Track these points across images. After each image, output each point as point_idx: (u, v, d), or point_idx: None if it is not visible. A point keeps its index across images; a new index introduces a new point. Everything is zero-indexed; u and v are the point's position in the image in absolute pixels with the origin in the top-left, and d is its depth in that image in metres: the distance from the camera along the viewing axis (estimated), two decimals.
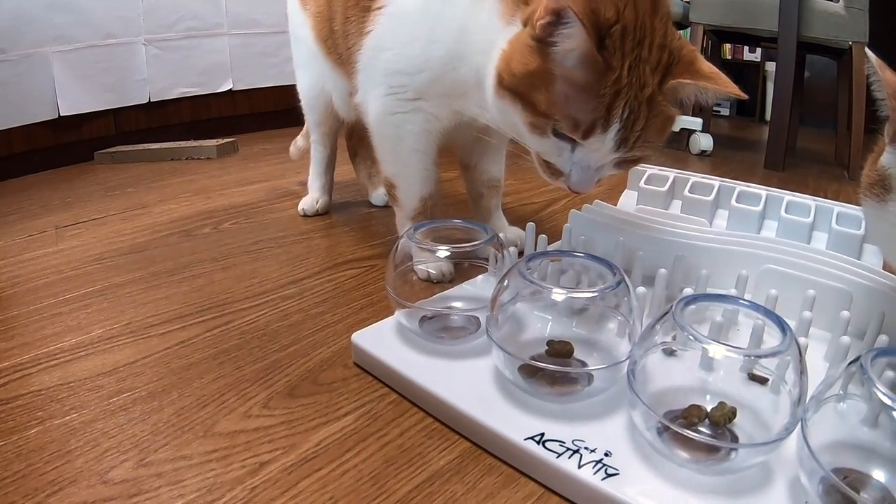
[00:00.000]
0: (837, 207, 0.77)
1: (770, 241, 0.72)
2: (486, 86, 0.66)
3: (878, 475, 0.42)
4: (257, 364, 0.66)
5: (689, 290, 0.64)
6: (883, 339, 0.58)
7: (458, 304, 0.70)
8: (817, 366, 0.57)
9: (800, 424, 0.42)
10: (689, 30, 1.90)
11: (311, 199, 1.15)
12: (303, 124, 1.17)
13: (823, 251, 0.69)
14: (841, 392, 0.43)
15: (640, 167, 0.88)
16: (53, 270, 0.91)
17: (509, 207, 1.07)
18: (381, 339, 0.64)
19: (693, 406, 0.48)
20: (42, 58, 1.50)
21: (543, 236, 0.76)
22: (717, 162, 1.79)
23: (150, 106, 1.75)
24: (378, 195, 1.19)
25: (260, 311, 0.77)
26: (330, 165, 1.16)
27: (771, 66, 2.62)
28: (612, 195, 0.90)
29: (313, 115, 1.10)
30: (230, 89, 1.91)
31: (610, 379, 0.53)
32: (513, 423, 0.51)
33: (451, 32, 0.70)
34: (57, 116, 1.55)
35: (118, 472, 0.50)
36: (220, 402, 0.59)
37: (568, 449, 0.48)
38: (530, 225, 0.79)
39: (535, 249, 0.76)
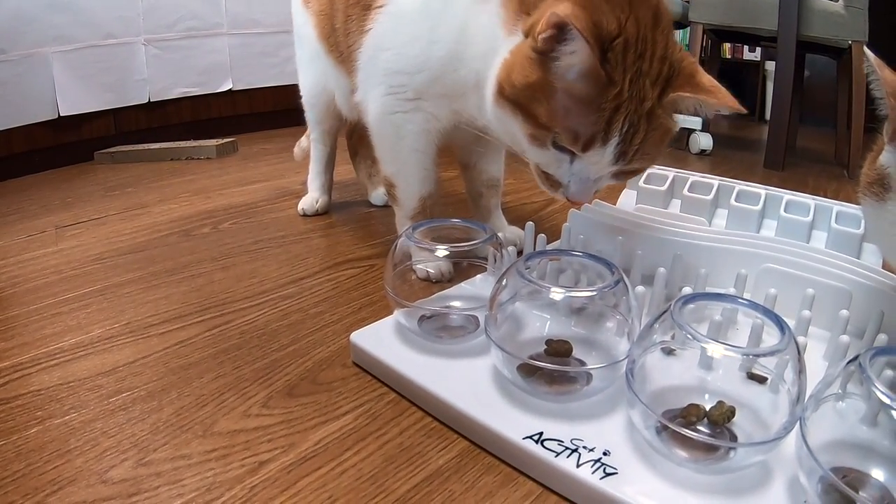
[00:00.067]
0: (837, 206, 0.77)
1: (769, 240, 0.72)
2: (485, 93, 0.65)
3: (877, 474, 0.42)
4: (257, 363, 0.66)
5: (687, 290, 0.64)
6: (882, 338, 0.57)
7: (456, 304, 0.70)
8: (816, 365, 0.57)
9: (798, 423, 0.42)
10: (688, 29, 1.90)
11: (311, 198, 1.15)
12: (303, 124, 1.17)
13: (823, 250, 0.69)
14: (840, 391, 0.43)
15: None
16: (53, 270, 0.91)
17: (509, 207, 1.07)
18: (380, 339, 0.64)
19: (692, 405, 0.48)
20: (42, 58, 1.50)
21: (542, 235, 0.76)
22: (716, 161, 1.79)
23: (150, 106, 1.75)
24: (378, 195, 1.19)
25: (259, 310, 0.77)
26: (329, 164, 1.16)
27: (771, 66, 2.62)
28: (612, 194, 0.90)
29: (313, 112, 1.10)
30: (230, 89, 1.92)
31: (609, 378, 0.53)
32: (511, 422, 0.51)
33: (451, 32, 0.69)
34: (57, 116, 1.55)
35: (117, 472, 0.50)
36: (220, 401, 0.59)
37: (566, 448, 0.48)
38: (529, 224, 0.79)
39: (535, 249, 0.76)
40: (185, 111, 1.84)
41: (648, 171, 0.89)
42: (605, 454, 0.47)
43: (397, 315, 0.66)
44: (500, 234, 0.73)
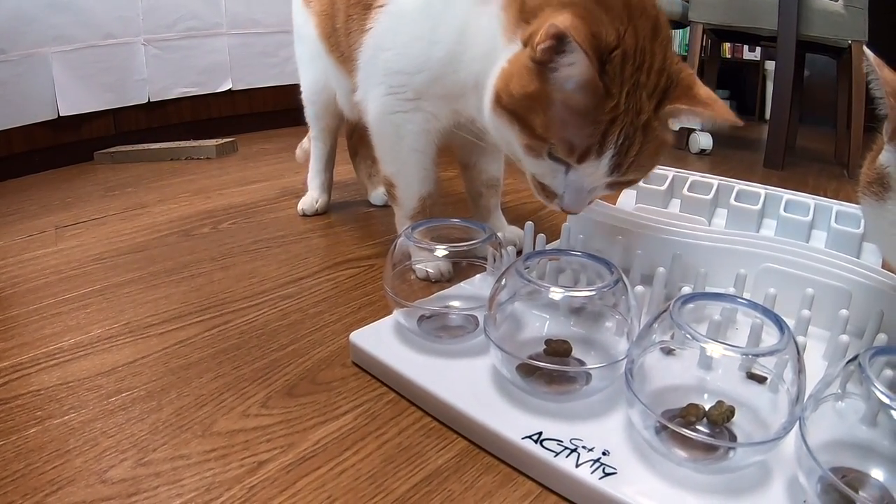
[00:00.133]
0: (836, 206, 0.77)
1: (769, 239, 0.72)
2: (484, 97, 0.65)
3: (877, 474, 0.42)
4: (256, 363, 0.66)
5: (687, 289, 0.64)
6: (882, 338, 0.57)
7: (456, 304, 0.70)
8: (816, 364, 0.57)
9: (798, 423, 0.42)
10: (688, 29, 1.90)
11: (311, 198, 1.15)
12: (303, 124, 1.17)
13: (822, 250, 0.69)
14: (839, 391, 0.42)
15: None
16: (53, 270, 0.91)
17: (508, 206, 1.07)
18: (380, 339, 0.64)
19: (691, 405, 0.48)
20: (42, 58, 1.50)
21: (542, 235, 0.76)
22: (716, 161, 1.79)
23: (150, 106, 1.75)
24: (377, 194, 1.19)
25: (259, 310, 0.77)
26: (329, 162, 1.16)
27: (770, 65, 2.62)
28: (612, 194, 0.90)
29: (313, 109, 1.10)
30: (229, 89, 1.92)
31: (608, 378, 0.53)
32: (511, 422, 0.51)
33: (451, 33, 0.69)
34: (57, 116, 1.55)
35: (117, 472, 0.50)
36: (219, 401, 0.59)
37: (566, 448, 0.48)
38: (529, 224, 0.79)
39: (534, 248, 0.76)
40: (184, 111, 1.84)
41: None
42: (604, 454, 0.47)
43: (397, 315, 0.66)
44: (499, 234, 0.73)
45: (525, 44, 0.59)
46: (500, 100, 0.61)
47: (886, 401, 0.38)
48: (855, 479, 0.41)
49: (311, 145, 1.15)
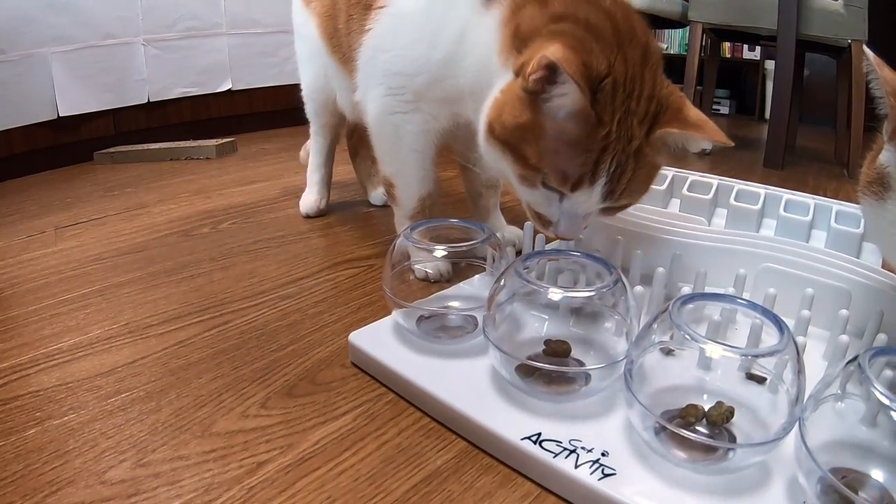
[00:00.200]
0: (836, 206, 0.77)
1: (769, 239, 0.72)
2: (479, 122, 0.65)
3: (877, 475, 0.42)
4: (255, 364, 0.66)
5: (686, 289, 0.64)
6: (882, 338, 0.57)
7: (455, 304, 0.70)
8: (816, 365, 0.57)
9: (798, 424, 0.42)
10: (688, 28, 1.90)
11: (311, 199, 1.14)
12: (303, 124, 1.17)
13: (822, 250, 0.69)
14: (839, 391, 0.42)
15: None
16: (53, 271, 0.91)
17: (508, 206, 1.07)
18: (379, 339, 0.64)
19: (690, 406, 0.48)
20: (41, 58, 1.50)
21: (541, 235, 0.76)
22: (716, 160, 1.79)
23: (150, 106, 1.75)
24: (377, 195, 1.19)
25: (258, 310, 0.77)
26: (329, 157, 1.15)
27: (770, 65, 2.62)
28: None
29: (312, 106, 1.10)
30: (229, 89, 1.91)
31: (607, 378, 0.53)
32: (510, 422, 0.51)
33: (451, 38, 0.69)
34: (56, 117, 1.55)
35: (116, 473, 0.50)
36: (218, 402, 0.59)
37: (565, 449, 0.48)
38: (528, 224, 0.78)
39: (533, 248, 0.76)
40: (184, 111, 1.83)
41: None
42: (603, 455, 0.47)
43: (396, 315, 0.66)
44: (498, 234, 0.73)
45: (517, 74, 0.59)
46: (492, 130, 0.61)
47: (886, 401, 0.38)
48: (854, 480, 0.41)
49: (311, 140, 1.15)
